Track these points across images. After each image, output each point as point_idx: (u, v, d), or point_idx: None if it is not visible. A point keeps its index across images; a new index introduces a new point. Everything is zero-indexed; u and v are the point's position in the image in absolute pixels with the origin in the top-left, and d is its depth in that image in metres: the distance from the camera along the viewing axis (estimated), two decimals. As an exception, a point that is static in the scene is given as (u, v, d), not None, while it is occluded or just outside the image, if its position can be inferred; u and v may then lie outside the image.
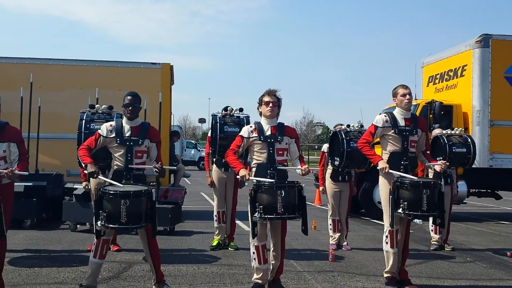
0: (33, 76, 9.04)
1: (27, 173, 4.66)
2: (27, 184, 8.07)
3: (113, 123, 4.99)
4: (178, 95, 78.28)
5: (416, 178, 5.25)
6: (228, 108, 6.90)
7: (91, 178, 6.15)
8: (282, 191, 4.72)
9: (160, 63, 10.33)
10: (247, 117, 6.88)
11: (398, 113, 5.44)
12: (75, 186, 8.29)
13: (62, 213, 8.41)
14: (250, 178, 4.92)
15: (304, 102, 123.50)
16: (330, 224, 7.57)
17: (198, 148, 35.72)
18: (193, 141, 41.25)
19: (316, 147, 55.12)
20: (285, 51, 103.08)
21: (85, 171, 4.80)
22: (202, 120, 71.16)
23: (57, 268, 5.80)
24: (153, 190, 4.71)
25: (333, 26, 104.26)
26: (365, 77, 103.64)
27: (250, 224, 4.87)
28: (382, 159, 5.34)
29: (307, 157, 49.35)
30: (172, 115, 11.69)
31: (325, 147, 7.96)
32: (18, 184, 6.47)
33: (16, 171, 4.52)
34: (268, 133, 5.05)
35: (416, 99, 10.87)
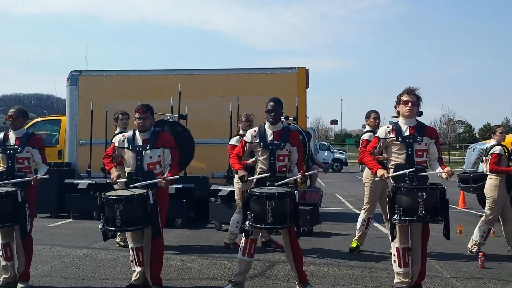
0: (181, 86, 9.79)
1: (177, 177, 5.10)
2: (177, 186, 8.76)
3: (256, 128, 5.27)
4: (311, 97, 78.91)
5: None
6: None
7: (239, 182, 6.51)
8: (424, 193, 4.58)
9: (295, 68, 10.53)
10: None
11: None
12: (219, 188, 8.79)
13: (208, 213, 8.99)
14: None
15: (443, 99, 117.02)
16: (484, 232, 6.97)
17: (332, 150, 35.63)
18: (326, 143, 41.21)
19: (458, 146, 51.81)
20: (419, 46, 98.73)
21: (237, 175, 5.16)
22: (334, 122, 70.90)
23: (207, 264, 6.24)
24: (296, 191, 4.87)
25: (471, 14, 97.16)
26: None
27: (389, 226, 4.80)
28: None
29: (447, 157, 46.63)
30: (307, 118, 11.85)
31: None
32: (170, 186, 7.07)
33: (168, 178, 4.96)
34: (407, 133, 4.91)
35: None
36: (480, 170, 9.97)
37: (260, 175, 5.07)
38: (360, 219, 7.09)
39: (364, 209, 7.07)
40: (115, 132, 7.46)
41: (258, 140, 5.13)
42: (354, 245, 7.12)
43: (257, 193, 4.76)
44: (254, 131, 5.24)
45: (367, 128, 7.12)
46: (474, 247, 6.91)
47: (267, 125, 5.21)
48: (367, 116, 7.21)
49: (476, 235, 6.96)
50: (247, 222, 4.78)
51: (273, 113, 5.12)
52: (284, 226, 4.84)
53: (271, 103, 5.17)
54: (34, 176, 5.16)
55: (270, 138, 5.12)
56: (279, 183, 4.94)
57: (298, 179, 5.03)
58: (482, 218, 6.98)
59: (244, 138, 5.31)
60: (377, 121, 7.15)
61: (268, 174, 5.02)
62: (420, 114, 7.16)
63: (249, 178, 5.04)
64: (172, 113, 9.27)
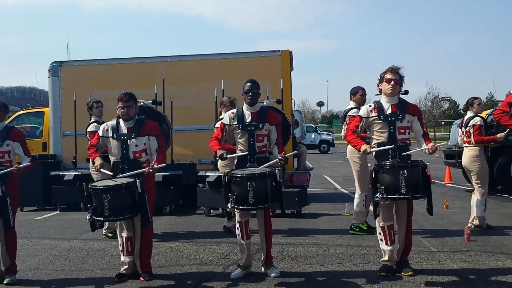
0: (164, 73, 9.70)
1: (164, 165, 5.08)
2: (165, 174, 8.73)
3: (234, 110, 5.25)
4: (296, 79, 78.90)
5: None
6: None
7: (224, 166, 6.49)
8: (405, 170, 4.61)
9: (279, 50, 10.48)
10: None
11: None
12: (207, 174, 8.78)
13: (196, 200, 8.99)
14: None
15: (428, 76, 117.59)
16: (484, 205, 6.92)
17: (318, 132, 35.75)
18: (313, 125, 41.32)
19: (443, 123, 52.22)
20: (403, 24, 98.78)
21: (216, 157, 5.14)
22: (320, 103, 70.94)
23: (196, 250, 6.25)
24: (276, 171, 4.90)
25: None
26: (497, 43, 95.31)
27: (372, 205, 4.85)
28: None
29: (433, 134, 46.99)
30: (292, 101, 11.85)
31: None
32: (157, 174, 7.06)
33: (155, 166, 4.94)
34: (389, 111, 4.93)
35: None
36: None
37: (237, 154, 5.10)
38: (356, 200, 6.85)
39: (357, 189, 6.86)
40: (91, 121, 7.42)
41: (236, 122, 5.13)
42: (364, 227, 6.87)
43: (238, 175, 4.79)
44: (232, 113, 5.23)
45: (352, 104, 7.06)
46: (476, 221, 6.91)
47: (245, 107, 5.20)
48: (354, 92, 7.11)
49: (477, 211, 6.87)
50: (229, 204, 4.81)
51: (250, 94, 5.11)
52: (265, 206, 4.88)
53: (248, 84, 5.16)
54: (16, 165, 5.11)
55: (248, 119, 5.12)
56: (260, 167, 4.94)
57: (279, 161, 5.01)
58: (475, 193, 6.91)
59: (223, 120, 5.30)
60: (364, 97, 7.11)
61: (246, 153, 5.02)
62: (406, 92, 7.18)
63: (228, 156, 5.04)
64: (156, 100, 9.18)
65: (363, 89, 7.13)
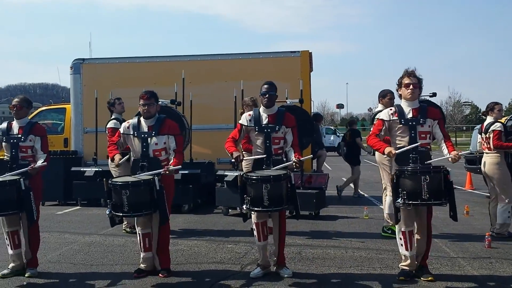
0: (184, 72, 9.76)
1: (180, 166, 5.06)
2: (183, 172, 8.77)
3: (251, 112, 5.27)
4: (316, 81, 78.63)
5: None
6: None
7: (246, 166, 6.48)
8: (427, 176, 4.57)
9: (299, 51, 10.48)
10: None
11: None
12: (225, 173, 8.81)
13: (215, 199, 9.02)
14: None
15: (449, 81, 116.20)
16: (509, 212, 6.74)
17: (337, 134, 35.58)
18: (332, 127, 41.14)
19: (464, 128, 51.55)
20: (425, 25, 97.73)
21: (231, 158, 5.12)
22: (340, 106, 70.63)
23: (214, 249, 6.27)
24: (291, 174, 4.90)
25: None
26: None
27: (394, 210, 4.81)
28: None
29: (454, 139, 46.42)
30: (312, 102, 11.83)
31: None
32: (176, 172, 7.11)
33: (172, 167, 4.95)
34: (410, 115, 4.88)
35: None
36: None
37: (254, 156, 5.12)
38: (387, 203, 6.67)
39: (386, 191, 6.69)
40: (111, 118, 7.49)
41: (253, 124, 5.15)
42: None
43: (253, 177, 4.81)
44: (249, 114, 5.25)
45: (380, 107, 6.96)
46: (498, 229, 6.74)
47: (261, 109, 5.22)
48: (383, 95, 7.02)
49: (500, 218, 6.72)
50: (244, 206, 4.83)
51: (267, 96, 5.13)
52: (280, 208, 4.90)
53: (265, 86, 5.18)
54: (31, 165, 5.13)
55: (265, 121, 5.13)
56: (275, 168, 4.96)
57: (293, 164, 5.02)
58: (499, 201, 6.73)
59: (240, 121, 5.32)
60: (393, 101, 7.00)
61: (264, 155, 5.03)
62: (434, 94, 7.06)
63: (245, 158, 5.07)
64: (176, 99, 9.23)
65: (392, 93, 7.00)
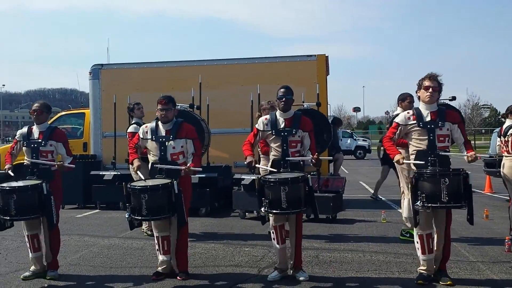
0: (201, 77, 9.83)
1: (200, 169, 5.16)
2: (201, 176, 8.84)
3: (268, 116, 5.30)
4: (332, 84, 78.50)
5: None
6: None
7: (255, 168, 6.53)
8: (447, 179, 4.55)
9: (315, 55, 10.47)
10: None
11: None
12: (242, 177, 8.84)
13: (232, 202, 9.06)
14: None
15: (467, 83, 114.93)
16: None
17: (354, 137, 35.42)
18: (349, 131, 40.98)
19: (483, 131, 50.89)
20: (443, 28, 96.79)
21: (245, 162, 5.21)
22: (357, 109, 70.47)
23: (232, 252, 6.30)
24: (308, 176, 4.93)
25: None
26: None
27: (412, 213, 4.79)
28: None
29: (473, 142, 45.86)
30: (328, 105, 11.81)
31: None
32: (193, 176, 7.16)
33: (192, 168, 5.02)
34: (428, 118, 4.86)
35: None
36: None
37: (266, 167, 5.18)
38: (405, 206, 6.62)
39: (405, 195, 6.56)
40: (132, 122, 7.59)
41: (269, 128, 5.17)
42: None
43: (271, 179, 4.84)
44: (266, 118, 5.28)
45: (399, 110, 6.91)
46: None
47: (278, 113, 5.25)
48: (402, 99, 6.97)
49: None
50: (262, 209, 4.85)
51: (283, 100, 5.15)
52: (299, 211, 4.93)
53: (282, 90, 5.20)
54: (60, 161, 5.28)
55: (282, 125, 5.16)
56: (290, 158, 5.02)
57: (310, 161, 5.06)
58: None
59: (256, 126, 5.36)
60: (412, 104, 6.93)
61: (275, 170, 5.06)
62: (453, 98, 7.01)
63: (257, 165, 5.16)
64: (193, 104, 9.30)
65: (411, 96, 6.94)
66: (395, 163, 6.77)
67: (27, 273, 5.25)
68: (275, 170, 5.06)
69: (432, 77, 4.92)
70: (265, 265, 5.62)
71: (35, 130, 5.42)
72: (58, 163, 5.30)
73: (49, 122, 5.97)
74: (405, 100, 6.96)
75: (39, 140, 5.33)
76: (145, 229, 7.25)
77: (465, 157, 4.75)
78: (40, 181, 5.07)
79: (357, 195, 12.67)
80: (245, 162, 5.18)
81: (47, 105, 5.58)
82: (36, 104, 5.51)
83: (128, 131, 7.44)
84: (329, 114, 12.54)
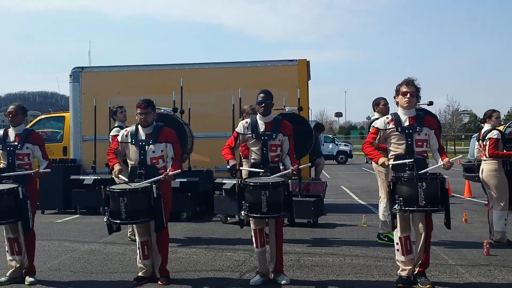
0: (183, 81, 9.79)
1: (179, 171, 5.11)
2: (182, 180, 8.79)
3: (248, 120, 5.31)
4: (315, 89, 79.01)
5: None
6: None
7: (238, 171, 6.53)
8: (424, 183, 4.61)
9: (296, 60, 10.53)
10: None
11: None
12: (224, 181, 8.82)
13: (213, 207, 9.03)
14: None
15: (448, 89, 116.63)
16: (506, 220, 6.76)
17: (336, 142, 35.65)
18: (330, 136, 41.23)
19: (463, 136, 51.59)
20: (424, 34, 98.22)
21: (227, 166, 5.17)
22: (338, 114, 70.97)
23: (213, 256, 6.28)
24: (289, 181, 4.96)
25: (477, 3, 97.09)
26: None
27: (390, 216, 4.85)
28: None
29: (452, 147, 46.47)
30: (310, 110, 11.87)
31: None
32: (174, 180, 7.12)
33: (171, 173, 4.99)
34: (406, 124, 4.93)
35: None
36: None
37: (251, 169, 5.15)
38: (381, 209, 6.73)
39: (381, 198, 6.74)
40: (115, 126, 7.55)
41: (250, 132, 5.19)
42: (392, 236, 6.80)
43: (251, 183, 4.84)
44: (246, 122, 5.29)
45: (376, 115, 6.99)
46: (497, 237, 6.72)
47: (258, 117, 5.27)
48: (376, 103, 7.04)
49: (496, 225, 6.71)
50: (242, 212, 4.85)
51: (263, 104, 5.17)
52: (278, 215, 4.94)
53: (261, 95, 5.22)
54: (36, 169, 5.21)
55: (262, 129, 5.17)
56: (273, 176, 5.00)
57: (290, 172, 5.08)
58: (495, 208, 6.74)
59: (236, 129, 5.36)
60: (388, 106, 6.98)
61: (260, 170, 5.06)
62: (430, 103, 7.12)
63: (241, 168, 5.17)
64: (177, 108, 9.24)
65: (385, 99, 7.05)
66: (374, 167, 6.89)
67: (3, 278, 5.17)
68: (262, 170, 5.04)
69: (409, 83, 4.99)
70: (246, 270, 5.61)
71: (11, 133, 5.33)
72: (34, 171, 5.21)
73: (28, 126, 5.88)
74: (379, 104, 7.04)
75: (15, 143, 5.25)
76: (129, 234, 7.18)
77: (442, 166, 4.82)
78: (16, 185, 5.00)
79: (338, 199, 12.76)
80: (228, 166, 5.16)
81: (22, 107, 5.49)
82: (11, 106, 5.42)
83: (110, 134, 7.39)
84: (310, 119, 12.59)
